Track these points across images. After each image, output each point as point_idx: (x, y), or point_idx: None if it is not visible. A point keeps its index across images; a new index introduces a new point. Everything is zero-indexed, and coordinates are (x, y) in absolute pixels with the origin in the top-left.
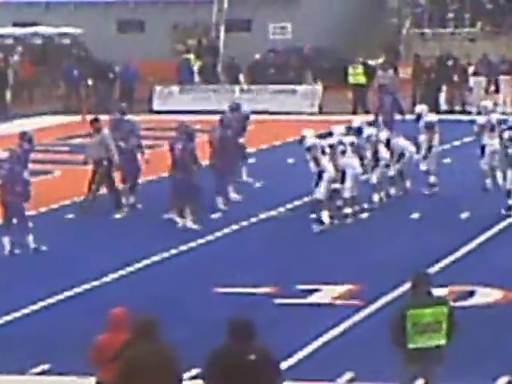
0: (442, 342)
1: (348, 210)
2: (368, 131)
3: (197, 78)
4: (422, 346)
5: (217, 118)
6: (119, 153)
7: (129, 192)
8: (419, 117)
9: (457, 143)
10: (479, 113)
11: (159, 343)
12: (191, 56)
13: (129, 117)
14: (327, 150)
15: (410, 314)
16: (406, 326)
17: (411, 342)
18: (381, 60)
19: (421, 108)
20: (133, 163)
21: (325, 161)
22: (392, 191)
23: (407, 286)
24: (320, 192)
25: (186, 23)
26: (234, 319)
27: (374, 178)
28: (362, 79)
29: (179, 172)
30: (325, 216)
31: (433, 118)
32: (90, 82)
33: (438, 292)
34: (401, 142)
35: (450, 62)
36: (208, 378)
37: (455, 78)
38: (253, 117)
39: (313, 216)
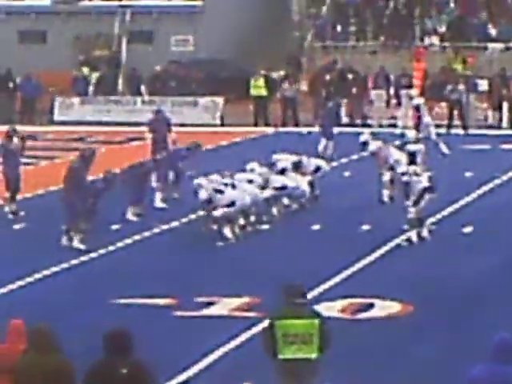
0: (313, 355)
1: (242, 221)
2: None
3: (91, 90)
4: (291, 357)
5: (118, 129)
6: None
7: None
8: None
9: (357, 156)
10: (380, 125)
11: (53, 354)
12: (85, 68)
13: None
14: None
15: (279, 325)
16: (275, 337)
17: (281, 353)
18: (282, 72)
19: None
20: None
21: (234, 192)
22: (286, 202)
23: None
24: (219, 211)
25: (89, 34)
26: (108, 332)
27: (266, 193)
28: (263, 91)
29: (71, 191)
30: (227, 231)
31: None
32: None
33: (335, 305)
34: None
35: (352, 75)
36: None
37: (355, 91)
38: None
39: (214, 228)
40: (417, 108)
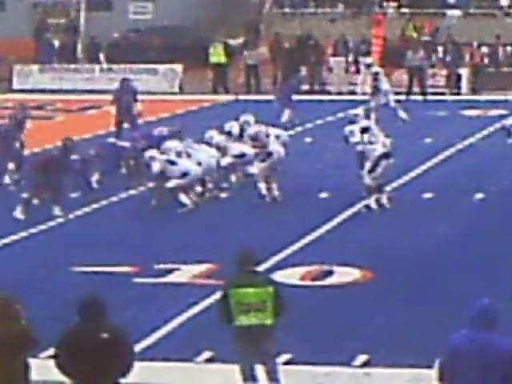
0: (268, 321)
1: (199, 188)
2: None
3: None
4: (246, 323)
5: (76, 97)
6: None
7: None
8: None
9: (318, 122)
10: (339, 93)
11: (11, 322)
12: (50, 35)
13: None
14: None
15: (233, 293)
16: (229, 304)
17: (236, 320)
18: (241, 39)
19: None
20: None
21: (187, 162)
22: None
23: (263, 265)
24: (172, 182)
25: (47, 2)
26: (84, 298)
27: (224, 161)
28: (222, 58)
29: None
30: (183, 197)
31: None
32: None
33: (294, 272)
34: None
35: (312, 42)
36: (60, 358)
37: (314, 58)
38: (111, 97)
39: (166, 199)
40: (374, 75)
